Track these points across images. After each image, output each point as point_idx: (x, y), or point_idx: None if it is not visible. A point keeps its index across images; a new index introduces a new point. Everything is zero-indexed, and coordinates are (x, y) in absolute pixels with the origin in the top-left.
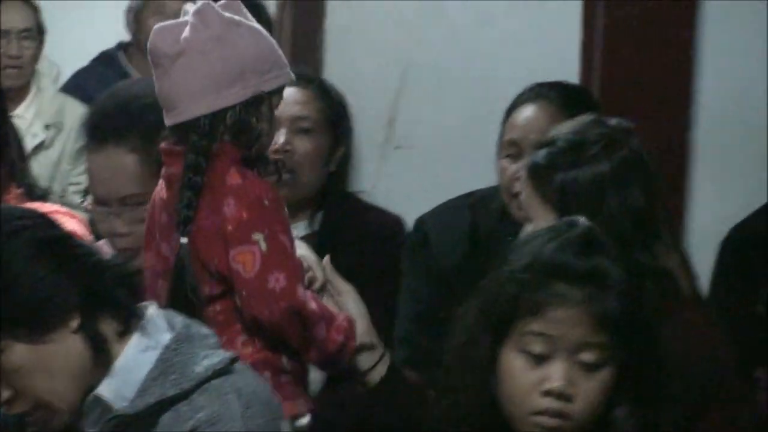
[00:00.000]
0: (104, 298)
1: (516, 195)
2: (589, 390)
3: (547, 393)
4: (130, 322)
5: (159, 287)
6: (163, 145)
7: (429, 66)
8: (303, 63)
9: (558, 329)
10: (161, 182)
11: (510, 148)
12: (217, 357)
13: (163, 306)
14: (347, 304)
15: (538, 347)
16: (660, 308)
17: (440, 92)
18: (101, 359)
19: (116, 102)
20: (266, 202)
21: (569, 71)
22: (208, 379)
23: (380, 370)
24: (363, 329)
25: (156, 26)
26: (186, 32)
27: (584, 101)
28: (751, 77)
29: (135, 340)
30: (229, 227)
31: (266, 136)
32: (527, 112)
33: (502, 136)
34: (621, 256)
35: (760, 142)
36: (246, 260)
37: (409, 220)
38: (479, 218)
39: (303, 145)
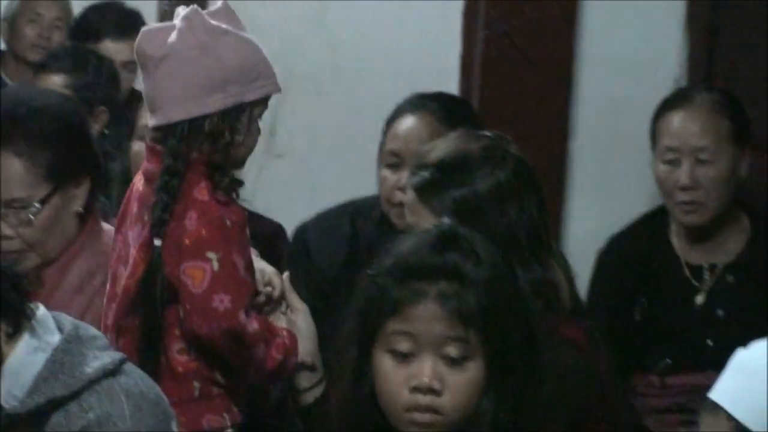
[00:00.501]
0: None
1: (396, 204)
2: (456, 383)
3: (416, 389)
4: (20, 323)
5: (119, 272)
6: (147, 142)
7: (309, 77)
8: None
9: (418, 326)
10: (139, 175)
11: (390, 158)
12: (107, 358)
13: (119, 294)
14: (298, 321)
15: (403, 345)
16: (544, 319)
17: (320, 102)
18: None
19: (2, 106)
20: (228, 224)
21: (449, 83)
22: (97, 380)
23: (315, 393)
24: (308, 349)
25: (144, 28)
26: (172, 37)
27: (464, 113)
28: (629, 88)
29: (25, 341)
30: (186, 240)
31: (242, 146)
32: (408, 122)
33: (383, 145)
34: (488, 254)
35: (639, 152)
36: (196, 275)
37: (289, 228)
38: (359, 226)
39: None
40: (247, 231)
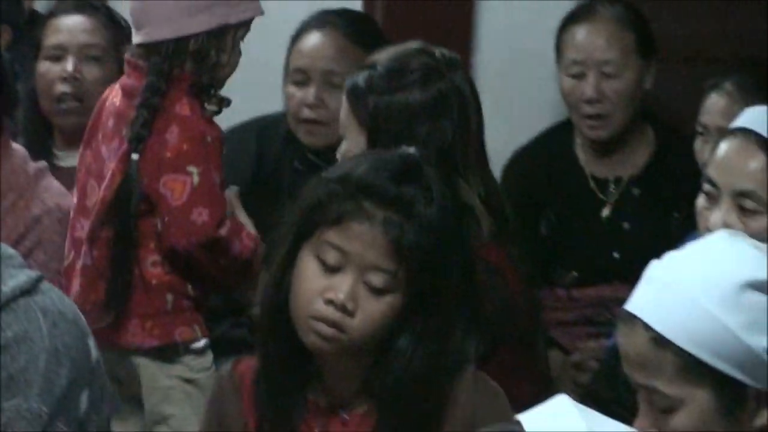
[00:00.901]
0: None
1: (303, 121)
2: (370, 310)
3: (329, 302)
4: None
5: (89, 186)
6: (127, 56)
7: None
8: None
9: (353, 245)
10: (116, 88)
11: (296, 75)
12: (22, 276)
13: (96, 205)
14: None
15: (331, 257)
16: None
17: None
18: None
19: None
20: (209, 139)
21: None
22: (14, 299)
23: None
24: None
25: None
26: None
27: (369, 29)
28: (533, 2)
29: None
30: (168, 154)
31: (226, 66)
32: (313, 39)
33: (288, 63)
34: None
35: (543, 66)
36: (176, 188)
37: None
38: (266, 143)
39: (92, 72)
40: (223, 148)
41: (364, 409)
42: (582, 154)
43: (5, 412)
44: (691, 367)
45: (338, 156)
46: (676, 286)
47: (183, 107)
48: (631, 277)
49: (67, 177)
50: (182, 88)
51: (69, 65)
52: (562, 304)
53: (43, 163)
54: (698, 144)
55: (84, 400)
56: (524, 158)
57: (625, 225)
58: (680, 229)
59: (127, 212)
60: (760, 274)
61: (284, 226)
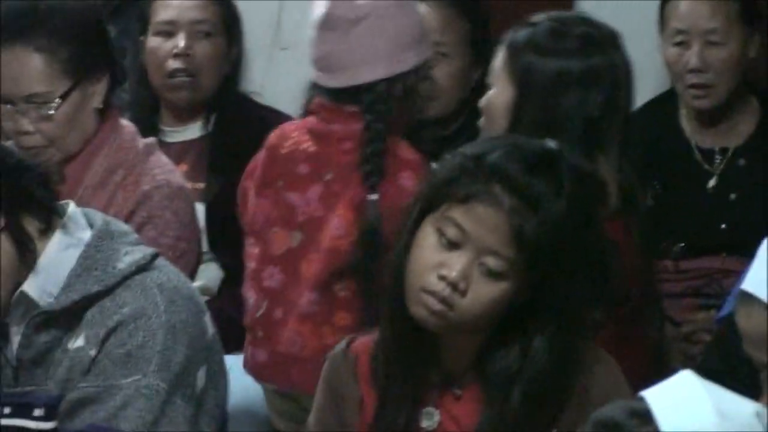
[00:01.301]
0: (26, 197)
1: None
2: (481, 292)
3: (442, 277)
4: (51, 220)
5: (271, 234)
6: (320, 101)
7: None
8: None
9: (475, 226)
10: (304, 134)
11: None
12: (139, 253)
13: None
14: None
15: (452, 233)
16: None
17: None
18: (26, 258)
19: (22, 3)
20: None
21: None
22: (131, 275)
23: None
24: None
25: None
26: None
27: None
28: None
29: (57, 238)
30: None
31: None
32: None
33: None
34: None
35: (646, 37)
36: None
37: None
38: None
39: (203, 48)
40: None
41: (477, 387)
42: (687, 125)
43: (124, 389)
44: None
45: (482, 103)
46: None
47: (406, 150)
48: (738, 248)
49: (174, 153)
50: (397, 129)
51: (181, 41)
52: (669, 276)
53: (152, 139)
54: None
55: (201, 376)
56: (629, 129)
57: (732, 196)
58: None
59: (375, 255)
60: None
61: (415, 197)
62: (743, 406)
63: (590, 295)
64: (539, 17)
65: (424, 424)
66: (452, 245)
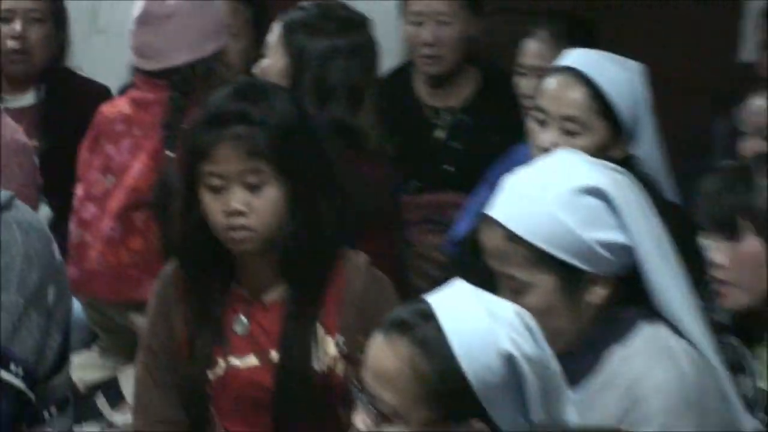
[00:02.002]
0: None
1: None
2: (259, 204)
3: (229, 214)
4: None
5: (95, 178)
6: (139, 77)
7: None
8: None
9: (222, 165)
10: (125, 102)
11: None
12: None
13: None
14: None
15: (215, 182)
16: (341, 155)
17: None
18: None
19: None
20: None
21: None
22: None
23: None
24: None
25: None
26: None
27: None
28: None
29: None
30: None
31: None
32: None
33: None
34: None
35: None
36: None
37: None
38: None
39: (35, 32)
40: None
41: (281, 295)
42: (420, 88)
43: None
44: (537, 258)
45: (257, 70)
46: (525, 193)
47: None
48: (462, 186)
49: (13, 116)
50: (199, 101)
51: (17, 26)
52: (408, 208)
53: None
54: (519, 81)
55: (51, 293)
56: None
57: (456, 144)
58: (499, 148)
59: (168, 197)
60: (591, 182)
61: (176, 181)
62: (506, 307)
63: (338, 209)
64: (308, 3)
65: (237, 329)
66: (221, 189)
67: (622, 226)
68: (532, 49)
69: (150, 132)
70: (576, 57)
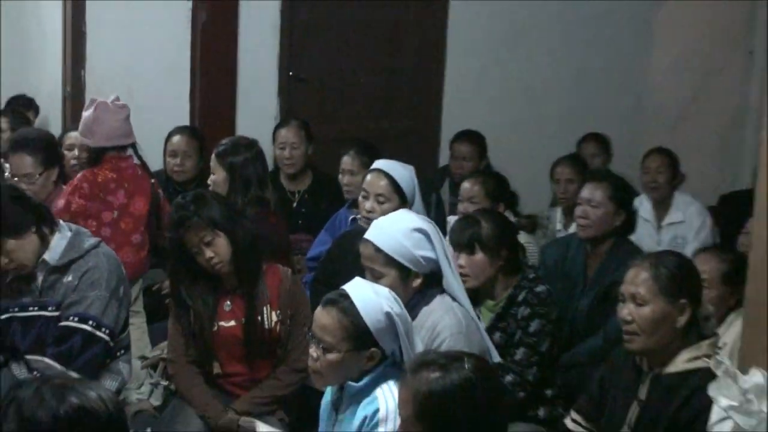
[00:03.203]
0: (42, 217)
1: None
2: (219, 249)
3: (207, 260)
4: (53, 227)
5: (103, 215)
6: (110, 155)
7: None
8: None
9: (190, 238)
10: (107, 172)
11: None
12: (94, 240)
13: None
14: None
15: (194, 249)
16: (259, 215)
17: None
18: (44, 243)
19: None
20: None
21: None
22: (90, 249)
23: None
24: None
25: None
26: (93, 108)
27: None
28: None
29: (57, 235)
30: None
31: None
32: None
33: None
34: None
35: None
36: None
37: None
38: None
39: None
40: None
41: (242, 290)
42: (283, 180)
43: (90, 296)
44: (389, 261)
45: (209, 181)
46: (385, 228)
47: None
48: (309, 231)
49: None
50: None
51: None
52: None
53: None
54: (342, 178)
55: (121, 290)
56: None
57: (303, 209)
58: (326, 212)
59: (158, 221)
60: (418, 225)
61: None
62: (383, 289)
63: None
64: (225, 139)
65: (225, 308)
66: (197, 251)
67: (432, 249)
68: (345, 160)
69: (137, 183)
70: (382, 163)
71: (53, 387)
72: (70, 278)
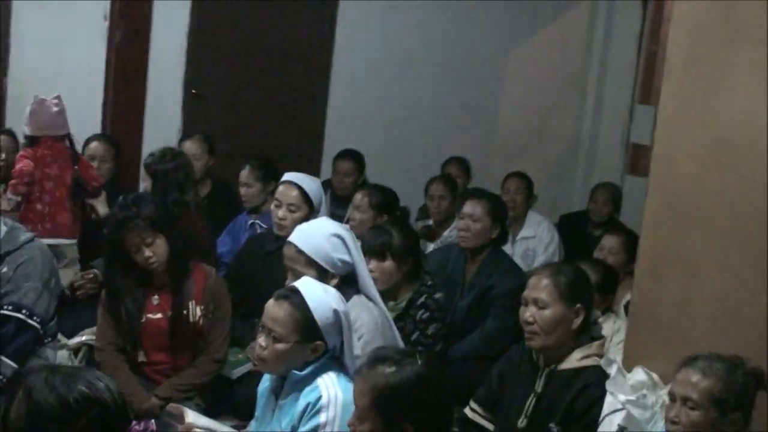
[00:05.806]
0: None
1: None
2: (157, 249)
3: (146, 259)
4: None
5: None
6: (45, 139)
7: None
8: None
9: (131, 238)
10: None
11: None
12: (29, 234)
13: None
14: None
15: (133, 248)
16: (183, 216)
17: None
18: None
19: None
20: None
21: None
22: (25, 242)
23: None
24: None
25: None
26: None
27: None
28: None
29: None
30: None
31: None
32: None
33: None
34: None
35: None
36: None
37: None
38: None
39: None
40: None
41: (171, 285)
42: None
43: (24, 288)
44: (310, 262)
45: (142, 190)
46: (308, 231)
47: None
48: (213, 233)
49: None
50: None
51: None
52: None
53: None
54: (241, 189)
55: (52, 281)
56: None
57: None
58: (228, 215)
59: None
60: (336, 231)
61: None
62: (330, 288)
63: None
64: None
65: (153, 301)
66: (137, 249)
67: (349, 253)
68: (243, 173)
69: (66, 159)
70: (293, 175)
71: (63, 375)
72: (5, 269)
